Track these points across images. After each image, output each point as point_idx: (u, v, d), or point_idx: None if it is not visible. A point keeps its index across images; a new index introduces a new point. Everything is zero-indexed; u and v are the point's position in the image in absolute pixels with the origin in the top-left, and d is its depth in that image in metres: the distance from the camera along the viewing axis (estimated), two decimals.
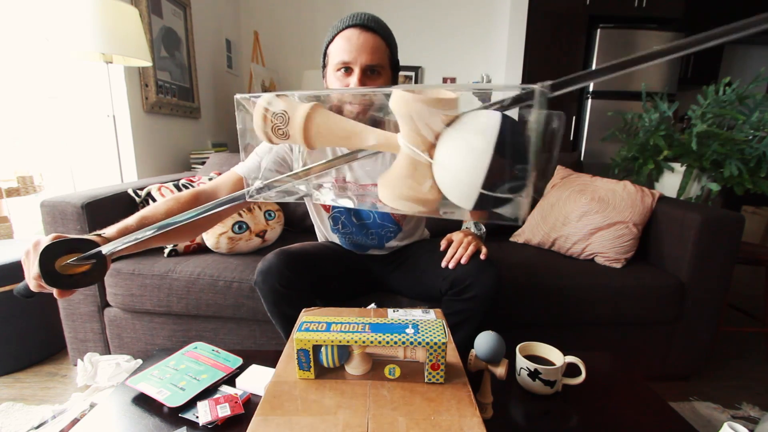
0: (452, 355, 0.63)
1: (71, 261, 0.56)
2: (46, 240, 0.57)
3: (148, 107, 1.91)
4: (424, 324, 0.56)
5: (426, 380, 0.55)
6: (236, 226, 1.29)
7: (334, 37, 0.87)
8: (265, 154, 0.93)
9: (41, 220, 1.19)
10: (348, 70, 0.86)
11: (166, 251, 1.28)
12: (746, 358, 1.52)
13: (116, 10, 1.42)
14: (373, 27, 0.85)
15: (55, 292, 0.57)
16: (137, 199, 1.33)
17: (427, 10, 3.18)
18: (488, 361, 0.64)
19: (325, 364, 0.57)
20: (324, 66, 0.92)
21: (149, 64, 1.63)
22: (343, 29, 0.85)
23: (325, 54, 0.91)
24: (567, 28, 2.77)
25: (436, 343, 0.53)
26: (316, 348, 0.56)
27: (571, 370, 0.75)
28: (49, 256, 0.54)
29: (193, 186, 1.43)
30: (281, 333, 1.01)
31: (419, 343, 0.53)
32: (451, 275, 0.93)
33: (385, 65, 0.88)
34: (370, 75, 0.86)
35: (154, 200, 1.32)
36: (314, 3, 3.18)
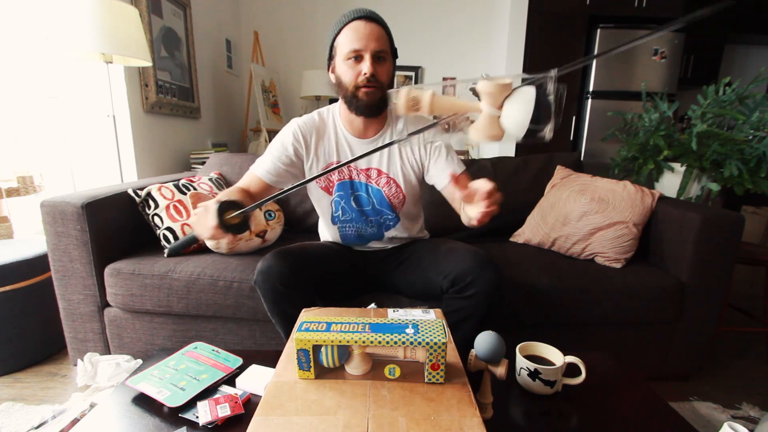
0: (452, 355, 0.63)
1: (236, 214, 0.76)
2: (213, 202, 0.75)
3: (148, 107, 1.91)
4: (424, 324, 0.56)
5: (426, 380, 0.55)
6: None
7: (341, 30, 0.93)
8: (277, 152, 1.03)
9: (41, 220, 1.19)
10: (358, 57, 0.92)
11: (166, 251, 1.28)
12: (746, 358, 1.52)
13: (116, 10, 1.42)
14: (376, 18, 0.94)
15: (227, 238, 0.77)
16: (137, 199, 1.33)
17: (428, 10, 3.18)
18: (488, 361, 0.64)
19: (325, 364, 0.57)
20: (331, 58, 0.98)
21: (149, 64, 1.63)
22: (349, 22, 0.92)
23: (331, 47, 0.97)
24: (567, 28, 2.77)
25: (436, 343, 0.53)
26: (316, 348, 0.56)
27: (571, 370, 0.75)
28: (221, 212, 0.74)
29: (193, 186, 1.43)
30: (281, 333, 1.01)
31: (419, 343, 0.52)
32: (452, 273, 0.94)
33: (388, 52, 0.95)
34: (378, 61, 0.93)
35: (154, 200, 1.32)
36: (314, 3, 3.18)
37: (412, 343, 0.53)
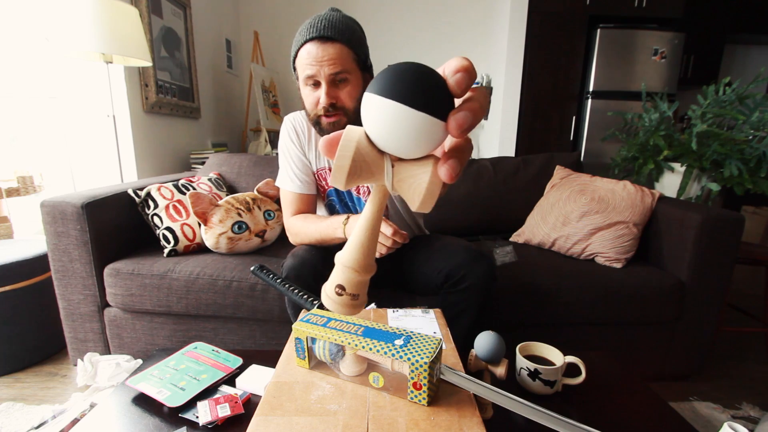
0: (452, 355, 0.63)
1: None
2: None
3: (148, 107, 1.91)
4: (417, 338, 0.54)
5: (408, 398, 0.52)
6: (236, 226, 1.29)
7: (297, 52, 0.87)
8: (291, 160, 1.02)
9: (41, 220, 1.19)
10: (316, 83, 0.87)
11: (166, 251, 1.28)
12: (746, 358, 1.52)
13: (116, 10, 1.42)
14: (331, 35, 0.83)
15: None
16: (137, 199, 1.33)
17: (428, 10, 3.18)
18: (488, 361, 0.64)
19: (319, 357, 0.58)
20: (297, 78, 0.93)
21: (149, 64, 1.63)
22: (304, 43, 0.85)
23: (294, 68, 0.92)
24: (567, 28, 2.77)
25: (417, 361, 0.49)
26: (313, 339, 0.56)
27: (571, 370, 0.75)
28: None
29: (192, 186, 1.43)
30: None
31: (400, 357, 0.50)
32: (445, 268, 0.95)
33: (350, 69, 0.88)
34: (338, 83, 0.87)
35: (153, 200, 1.32)
36: (314, 3, 3.18)
37: (393, 355, 0.50)
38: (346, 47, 0.85)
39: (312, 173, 1.04)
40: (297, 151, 1.02)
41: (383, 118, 0.25)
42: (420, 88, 0.24)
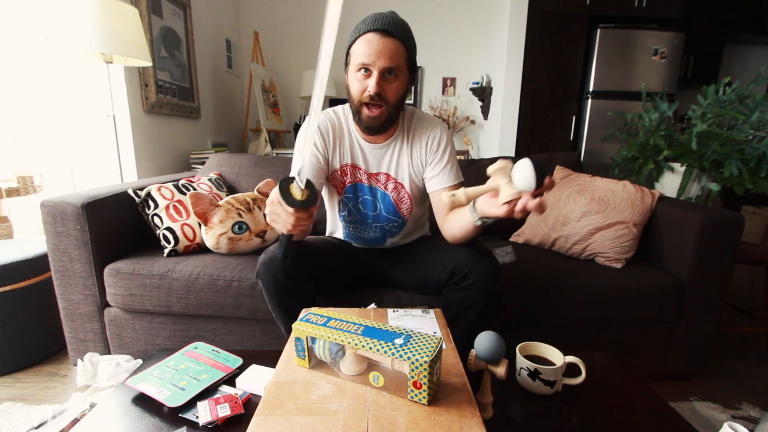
0: (452, 355, 0.63)
1: (302, 188, 0.68)
2: (275, 190, 0.68)
3: (148, 107, 1.91)
4: (416, 337, 0.54)
5: (409, 397, 0.52)
6: (236, 226, 1.29)
7: (356, 39, 0.90)
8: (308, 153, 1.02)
9: (41, 220, 1.19)
10: (367, 71, 0.90)
11: (166, 251, 1.28)
12: (746, 358, 1.52)
13: (116, 10, 1.42)
14: (393, 32, 0.88)
15: (306, 214, 0.70)
16: (137, 199, 1.33)
17: (428, 10, 3.18)
18: (488, 361, 0.64)
19: (319, 357, 0.58)
20: (346, 64, 0.96)
21: (149, 64, 1.63)
22: (365, 32, 0.88)
23: (348, 53, 0.94)
24: (567, 28, 2.77)
25: (417, 360, 0.49)
26: (313, 339, 0.56)
27: (571, 370, 0.75)
28: (285, 192, 0.67)
29: (193, 186, 1.43)
30: (282, 328, 1.02)
31: (400, 356, 0.50)
32: (450, 265, 0.95)
33: (402, 67, 0.91)
34: (387, 77, 0.90)
35: (153, 200, 1.32)
36: (314, 3, 3.18)
37: (393, 354, 0.50)
38: (402, 46, 0.90)
39: (320, 168, 1.04)
40: (321, 156, 1.03)
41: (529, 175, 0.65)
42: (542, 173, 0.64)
